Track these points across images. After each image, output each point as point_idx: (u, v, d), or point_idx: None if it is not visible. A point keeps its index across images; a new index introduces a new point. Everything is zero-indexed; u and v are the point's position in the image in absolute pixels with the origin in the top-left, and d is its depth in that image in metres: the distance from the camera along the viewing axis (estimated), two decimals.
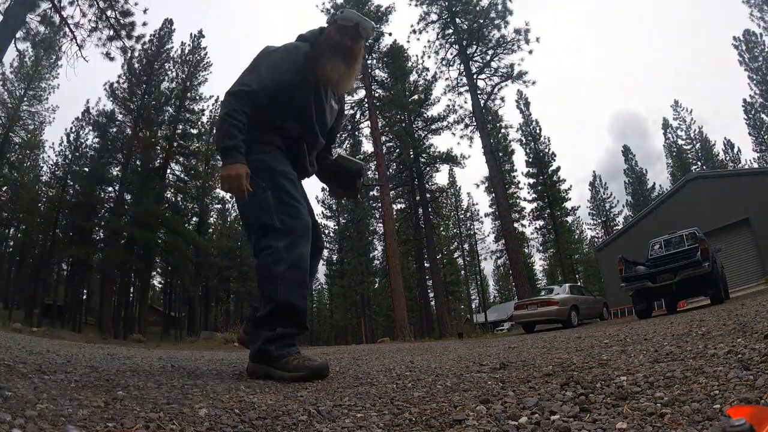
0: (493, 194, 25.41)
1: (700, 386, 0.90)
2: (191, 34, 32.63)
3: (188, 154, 27.39)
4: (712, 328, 2.20)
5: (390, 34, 24.51)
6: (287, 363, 1.66)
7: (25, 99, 26.56)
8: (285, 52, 1.96)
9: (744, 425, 0.42)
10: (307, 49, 1.99)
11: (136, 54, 19.44)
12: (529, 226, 35.33)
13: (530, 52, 20.10)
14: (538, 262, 43.71)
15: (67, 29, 12.30)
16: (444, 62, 21.72)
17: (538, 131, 35.18)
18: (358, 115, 22.25)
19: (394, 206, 24.53)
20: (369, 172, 20.35)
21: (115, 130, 25.66)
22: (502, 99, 26.47)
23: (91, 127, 27.49)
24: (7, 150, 25.11)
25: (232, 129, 1.76)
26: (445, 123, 23.28)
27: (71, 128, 29.18)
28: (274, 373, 1.66)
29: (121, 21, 13.11)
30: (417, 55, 33.85)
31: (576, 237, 40.12)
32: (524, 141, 34.90)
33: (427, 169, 25.32)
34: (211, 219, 35.39)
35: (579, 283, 25.17)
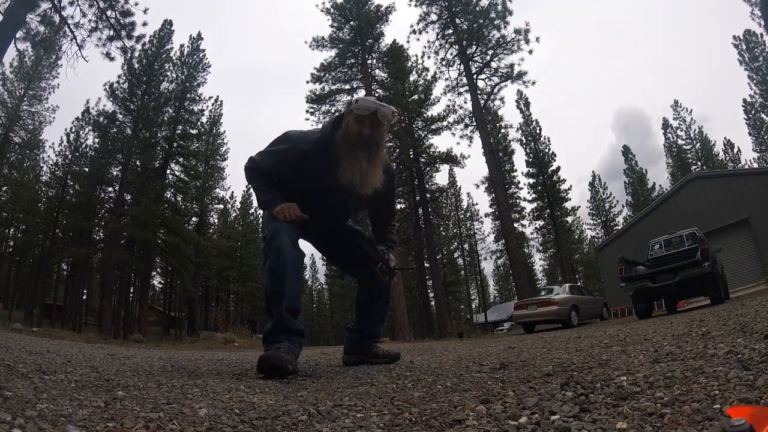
0: (493, 194, 25.39)
1: (700, 386, 0.90)
2: (191, 35, 32.63)
3: (188, 154, 27.39)
4: (712, 328, 2.20)
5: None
6: (377, 352, 2.38)
7: (25, 99, 26.56)
8: (285, 145, 2.06)
9: (744, 425, 0.42)
10: (308, 147, 2.01)
11: (136, 54, 19.41)
12: (529, 226, 35.33)
13: (530, 52, 20.10)
14: (538, 262, 43.75)
15: (67, 29, 12.29)
16: (444, 62, 21.73)
17: (538, 131, 35.18)
18: None
19: None
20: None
21: (115, 130, 25.67)
22: (502, 99, 26.48)
23: (91, 127, 27.53)
24: (7, 150, 25.10)
25: (259, 193, 2.08)
26: (445, 123, 23.29)
27: (71, 128, 29.26)
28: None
29: (121, 21, 13.09)
30: (417, 55, 33.82)
31: (576, 237, 40.10)
32: (524, 141, 34.90)
33: (427, 169, 25.31)
34: (211, 219, 35.40)
35: (579, 283, 25.17)
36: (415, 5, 21.59)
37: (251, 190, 2.18)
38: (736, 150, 35.56)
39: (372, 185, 1.99)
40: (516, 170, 34.87)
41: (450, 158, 23.63)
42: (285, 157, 2.06)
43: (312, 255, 47.46)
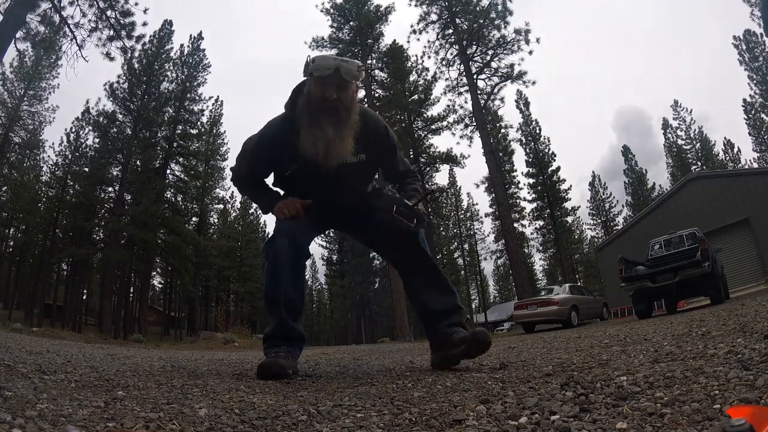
0: (493, 194, 25.40)
1: (700, 386, 0.90)
2: (191, 35, 32.65)
3: (188, 154, 27.41)
4: (712, 328, 2.20)
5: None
6: (452, 340, 1.77)
7: (25, 99, 26.56)
8: (254, 139, 1.93)
9: (744, 425, 0.42)
10: (275, 131, 1.85)
11: (136, 54, 19.41)
12: (529, 226, 35.35)
13: (530, 52, 20.11)
14: (538, 262, 43.73)
15: (67, 29, 12.30)
16: (444, 62, 21.75)
17: (537, 131, 35.20)
18: None
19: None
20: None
21: (115, 130, 25.68)
22: (502, 99, 26.49)
23: (91, 127, 27.54)
24: (7, 150, 25.10)
25: (257, 201, 2.07)
26: (445, 123, 23.31)
27: (71, 128, 29.27)
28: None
29: (121, 21, 13.10)
30: (417, 55, 33.80)
31: (576, 237, 40.08)
32: (524, 141, 34.92)
33: (427, 169, 25.32)
34: (211, 219, 35.40)
35: (579, 283, 25.16)
36: (415, 5, 21.62)
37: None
38: (736, 150, 35.58)
39: (339, 154, 1.74)
40: (516, 170, 34.93)
41: (450, 158, 23.64)
42: (256, 152, 1.90)
43: (312, 254, 47.40)
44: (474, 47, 20.87)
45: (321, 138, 1.69)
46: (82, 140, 29.10)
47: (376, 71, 23.20)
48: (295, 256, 1.81)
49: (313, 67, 1.67)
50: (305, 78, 1.78)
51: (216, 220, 37.18)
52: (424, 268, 1.93)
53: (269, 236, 1.88)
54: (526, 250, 37.38)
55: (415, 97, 23.64)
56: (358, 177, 1.93)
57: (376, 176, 2.11)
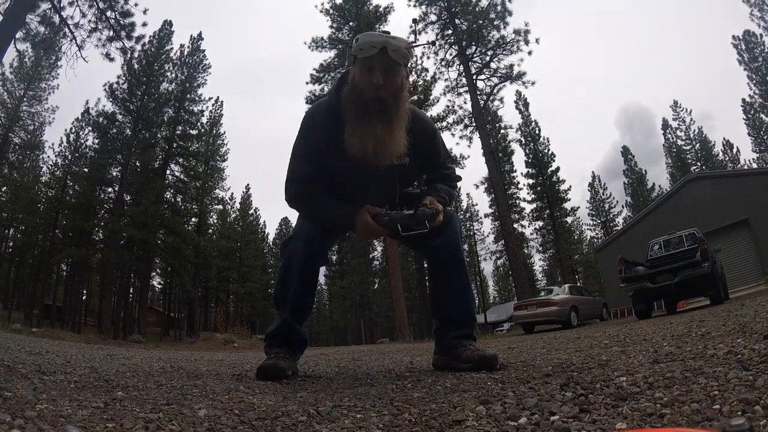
0: (493, 195, 25.42)
1: (700, 387, 0.90)
2: (191, 35, 32.67)
3: (188, 155, 27.44)
4: (711, 329, 2.20)
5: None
6: (459, 354, 1.68)
7: (25, 99, 26.59)
8: (299, 139, 1.74)
9: (744, 425, 0.42)
10: (319, 122, 1.70)
11: (136, 55, 19.43)
12: (528, 226, 35.41)
13: (530, 53, 20.13)
14: (538, 263, 43.77)
15: (66, 30, 12.31)
16: (443, 63, 21.75)
17: (537, 132, 35.25)
18: None
19: None
20: None
21: (114, 130, 25.69)
22: (501, 99, 26.50)
23: (90, 128, 27.57)
24: (7, 150, 25.11)
25: (328, 212, 1.74)
26: (444, 123, 23.29)
27: (71, 129, 29.32)
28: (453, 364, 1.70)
29: (121, 21, 13.11)
30: (416, 56, 33.97)
31: (576, 237, 40.14)
32: (523, 141, 34.98)
33: None
34: (211, 220, 35.41)
35: (579, 284, 25.20)
36: (415, 5, 21.63)
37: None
38: (735, 150, 35.64)
39: (392, 153, 1.58)
40: (515, 171, 34.98)
41: None
42: (308, 152, 1.69)
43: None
44: (473, 48, 20.89)
45: (369, 134, 1.54)
46: (82, 141, 29.17)
47: None
48: (308, 261, 1.74)
49: (357, 46, 1.52)
50: (348, 67, 1.64)
51: (215, 221, 37.22)
52: (453, 269, 1.80)
53: (287, 236, 1.84)
54: (526, 251, 37.41)
55: (415, 97, 23.64)
56: (401, 182, 1.75)
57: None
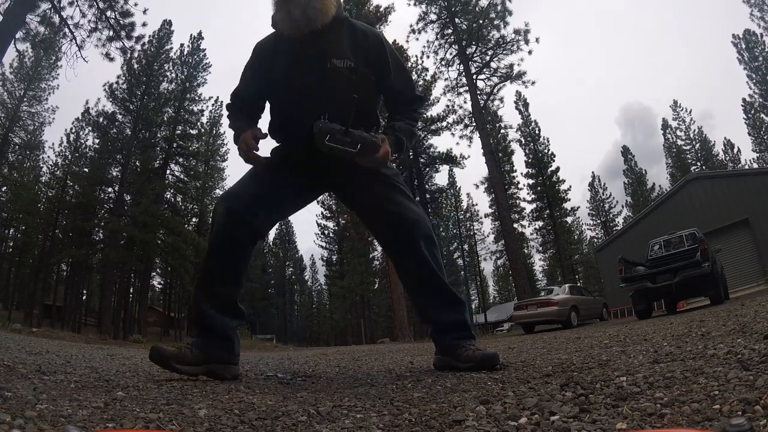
0: (493, 195, 25.42)
1: (700, 387, 0.90)
2: (191, 35, 32.67)
3: (188, 154, 27.43)
4: (711, 329, 2.20)
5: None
6: (460, 354, 1.62)
7: (25, 99, 26.58)
8: (249, 61, 1.78)
9: (744, 425, 0.42)
10: (266, 43, 1.72)
11: (136, 55, 19.44)
12: (528, 226, 35.40)
13: (530, 52, 20.13)
14: (538, 263, 43.76)
15: (66, 30, 12.32)
16: (443, 62, 21.76)
17: (537, 132, 35.25)
18: None
19: None
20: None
21: (114, 130, 25.69)
22: (501, 99, 26.48)
23: (90, 128, 27.57)
24: (7, 150, 25.11)
25: (231, 122, 1.74)
26: (444, 123, 23.30)
27: (71, 129, 29.28)
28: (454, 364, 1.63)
29: (121, 21, 13.12)
30: (416, 55, 33.84)
31: (576, 237, 40.11)
32: (523, 141, 34.98)
33: (427, 169, 25.33)
34: (211, 220, 35.39)
35: (579, 284, 25.17)
36: (415, 5, 21.63)
37: None
38: (735, 150, 35.63)
39: (319, 10, 1.50)
40: (515, 171, 34.98)
41: (450, 159, 23.64)
42: (245, 70, 1.75)
43: (312, 255, 47.60)
44: (473, 47, 20.88)
45: (293, 2, 1.49)
46: (82, 141, 29.15)
47: None
48: (226, 225, 1.58)
49: None
50: None
51: None
52: (422, 273, 1.71)
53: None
54: (526, 251, 37.41)
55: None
56: (347, 91, 1.52)
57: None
